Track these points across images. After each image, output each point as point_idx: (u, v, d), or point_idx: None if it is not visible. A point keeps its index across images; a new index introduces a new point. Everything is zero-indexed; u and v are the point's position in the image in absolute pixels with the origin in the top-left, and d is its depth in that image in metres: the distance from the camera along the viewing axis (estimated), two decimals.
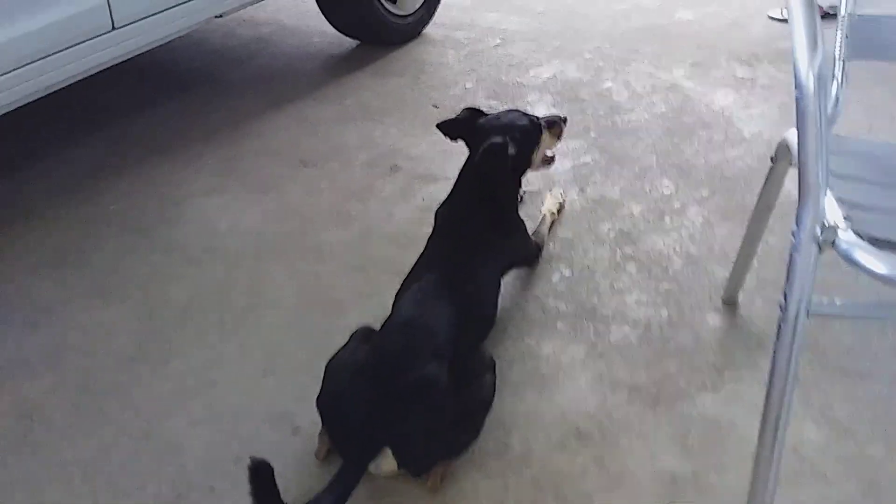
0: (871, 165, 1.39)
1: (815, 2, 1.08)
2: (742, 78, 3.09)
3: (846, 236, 1.07)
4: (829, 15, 2.00)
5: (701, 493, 1.50)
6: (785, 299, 1.11)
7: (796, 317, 1.10)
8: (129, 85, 3.04)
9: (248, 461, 1.42)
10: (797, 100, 1.04)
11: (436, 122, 1.93)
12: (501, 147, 1.79)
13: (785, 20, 3.58)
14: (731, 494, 1.47)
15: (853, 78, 3.15)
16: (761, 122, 2.76)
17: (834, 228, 1.07)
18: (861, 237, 1.08)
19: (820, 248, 1.08)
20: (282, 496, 1.38)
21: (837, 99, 1.46)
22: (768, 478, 1.21)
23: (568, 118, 2.05)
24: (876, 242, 1.08)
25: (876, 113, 2.84)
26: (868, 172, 1.35)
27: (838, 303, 1.20)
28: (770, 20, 3.61)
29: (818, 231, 1.07)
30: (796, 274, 1.09)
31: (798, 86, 1.03)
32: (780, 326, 1.12)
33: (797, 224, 1.07)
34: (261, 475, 1.36)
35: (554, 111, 2.85)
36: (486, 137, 1.82)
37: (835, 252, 1.09)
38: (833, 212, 1.12)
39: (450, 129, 1.92)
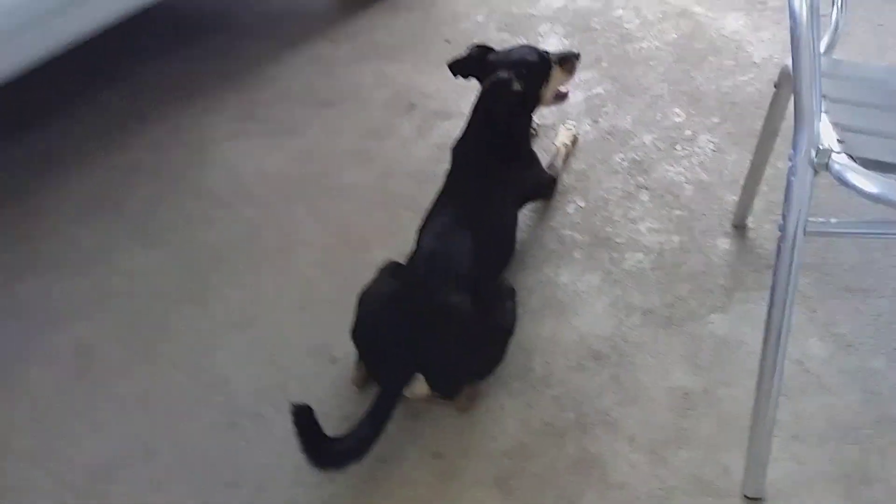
0: (867, 89, 1.45)
1: None
2: (753, 0, 3.09)
3: (839, 159, 1.15)
4: None
5: (711, 406, 1.62)
6: (784, 220, 1.19)
7: (794, 236, 1.19)
8: (144, 33, 3.08)
9: (291, 389, 1.55)
10: (791, 29, 1.10)
11: (448, 58, 1.99)
12: (506, 82, 1.85)
13: None
14: (739, 406, 1.58)
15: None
16: (771, 46, 2.78)
17: (828, 151, 1.15)
18: (854, 159, 1.15)
19: (815, 171, 1.16)
20: (323, 423, 1.49)
21: (837, 24, 1.50)
22: (771, 388, 1.31)
23: (580, 50, 2.10)
24: (868, 164, 1.15)
25: (886, 32, 2.85)
26: (864, 96, 1.41)
27: (833, 221, 1.28)
28: None
29: (813, 154, 1.14)
30: (793, 195, 1.17)
31: (791, 15, 1.09)
32: (779, 245, 1.21)
33: (793, 148, 1.15)
34: (303, 417, 1.46)
35: (566, 42, 2.88)
36: (493, 73, 1.88)
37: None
38: (828, 135, 1.19)
39: (461, 67, 1.97)
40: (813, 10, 1.10)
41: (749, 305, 1.81)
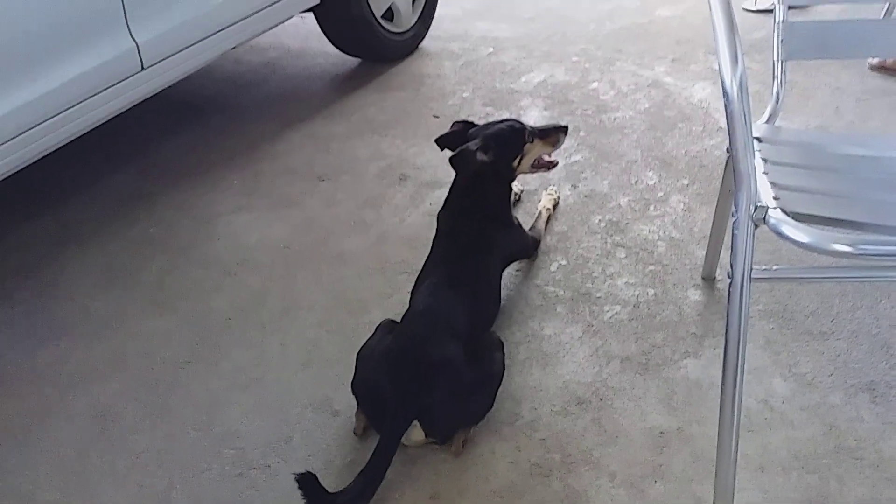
0: (802, 152, 1.64)
1: (735, 25, 1.32)
2: (720, 76, 3.31)
3: (775, 214, 1.32)
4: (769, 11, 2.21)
5: (684, 443, 1.76)
6: (732, 268, 1.35)
7: (742, 282, 1.34)
8: (151, 116, 3.28)
9: (296, 441, 1.68)
10: (725, 105, 1.28)
11: (437, 133, 2.18)
12: (470, 153, 2.00)
13: (759, 11, 3.81)
14: (710, 442, 1.70)
15: (823, 62, 3.41)
16: None
17: (765, 208, 1.32)
18: (788, 214, 1.32)
19: (756, 225, 1.33)
20: (327, 470, 1.63)
21: (778, 96, 1.69)
22: (732, 419, 1.44)
23: (559, 121, 2.27)
24: (800, 217, 1.32)
25: (843, 94, 3.08)
26: (798, 158, 1.59)
27: (775, 268, 1.45)
28: (745, 12, 3.84)
29: (752, 210, 1.31)
30: (738, 246, 1.33)
31: (725, 94, 1.27)
32: (730, 291, 1.37)
33: (735, 206, 1.32)
34: (307, 483, 1.60)
35: (546, 114, 3.10)
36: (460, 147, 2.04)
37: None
38: (766, 193, 1.37)
39: (446, 141, 2.15)
40: (743, 87, 1.29)
41: (718, 350, 1.96)
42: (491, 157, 2.05)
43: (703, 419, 1.80)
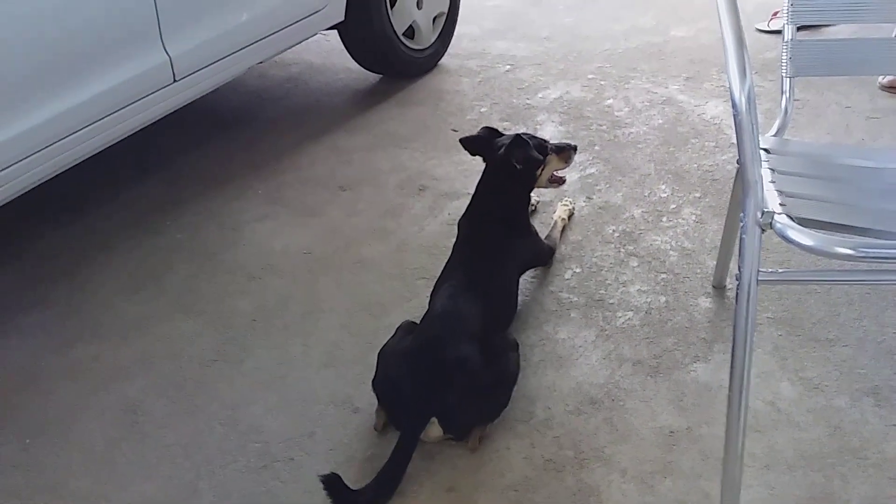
0: (807, 162, 1.71)
1: (744, 39, 1.40)
2: (729, 90, 3.39)
3: (781, 219, 1.39)
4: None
5: (693, 442, 1.81)
6: (740, 271, 1.42)
7: (749, 284, 1.41)
8: (179, 128, 3.38)
9: (319, 436, 1.76)
10: (734, 116, 1.36)
11: (456, 146, 2.27)
12: (508, 158, 2.12)
13: (771, 32, 3.89)
14: (718, 442, 1.76)
15: (833, 81, 3.49)
16: None
17: (771, 213, 1.39)
18: (793, 219, 1.39)
19: (762, 230, 1.40)
20: (349, 464, 1.70)
21: (786, 110, 1.77)
22: (739, 417, 1.50)
23: (574, 136, 2.37)
24: (805, 223, 1.40)
25: (852, 113, 3.15)
26: (804, 168, 1.66)
27: (780, 271, 1.51)
28: (758, 32, 3.91)
29: (759, 216, 1.38)
30: (746, 250, 1.41)
31: (733, 105, 1.35)
32: (737, 293, 1.43)
33: (743, 211, 1.39)
34: (333, 484, 1.68)
35: (561, 129, 3.18)
36: (498, 152, 2.14)
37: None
38: (772, 200, 1.44)
39: (471, 144, 2.25)
40: (751, 101, 1.36)
41: (727, 355, 1.98)
42: (525, 158, 2.14)
43: (711, 420, 1.86)
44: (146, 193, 2.98)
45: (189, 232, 2.75)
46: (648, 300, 2.25)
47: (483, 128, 2.30)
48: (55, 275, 2.55)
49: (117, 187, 3.01)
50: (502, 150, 2.14)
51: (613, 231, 2.55)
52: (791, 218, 1.40)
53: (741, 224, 1.42)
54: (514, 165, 2.13)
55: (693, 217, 2.58)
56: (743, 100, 1.34)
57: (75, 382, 2.14)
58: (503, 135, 2.26)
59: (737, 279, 1.44)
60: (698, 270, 2.34)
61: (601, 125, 3.20)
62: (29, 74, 2.21)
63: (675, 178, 2.80)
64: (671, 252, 2.43)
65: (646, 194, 2.72)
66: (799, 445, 1.78)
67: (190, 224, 2.79)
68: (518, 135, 2.17)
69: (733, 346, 1.48)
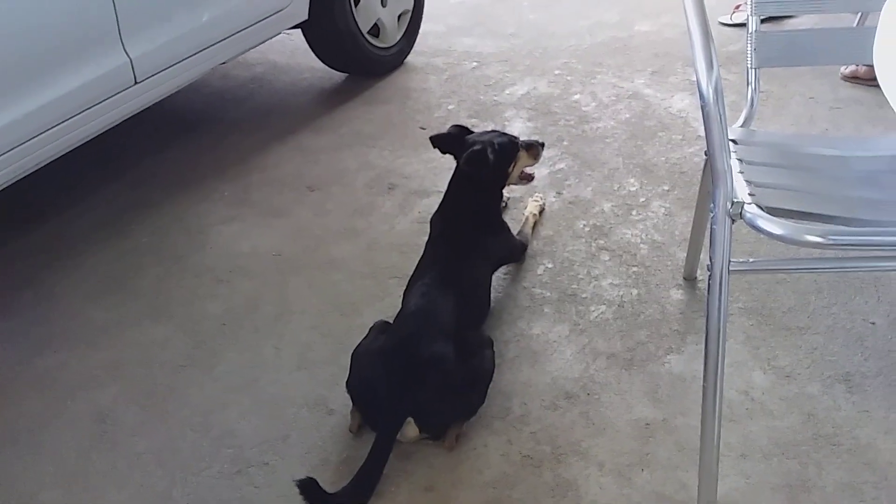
0: (775, 152, 1.73)
1: (710, 31, 1.41)
2: (696, 82, 3.42)
3: (750, 209, 1.40)
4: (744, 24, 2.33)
5: (669, 433, 1.82)
6: (711, 262, 1.43)
7: (720, 274, 1.42)
8: (143, 130, 3.34)
9: (293, 439, 1.74)
10: (702, 107, 1.36)
11: (424, 144, 2.25)
12: (482, 153, 2.12)
13: (734, 25, 3.92)
14: (693, 432, 1.77)
15: (797, 72, 3.53)
16: None
17: (741, 203, 1.40)
18: (763, 208, 1.40)
19: (732, 220, 1.41)
20: (324, 466, 1.68)
21: (752, 101, 1.78)
22: (714, 406, 1.51)
23: (543, 132, 2.37)
24: (775, 211, 1.40)
25: (816, 104, 3.19)
26: (772, 158, 1.68)
27: (751, 260, 1.52)
28: (721, 26, 3.94)
29: (729, 206, 1.39)
30: (716, 241, 1.41)
31: (701, 97, 1.35)
32: (709, 283, 1.44)
33: (713, 202, 1.39)
34: (309, 488, 1.66)
35: (530, 125, 3.18)
36: (471, 148, 2.14)
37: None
38: (742, 190, 1.45)
39: (441, 142, 2.24)
40: (718, 91, 1.37)
41: (700, 346, 2.01)
42: (493, 160, 2.13)
43: (686, 411, 1.87)
44: (110, 197, 2.93)
45: (156, 235, 2.71)
46: (621, 293, 2.25)
47: (453, 126, 2.29)
48: (19, 282, 2.50)
49: (80, 192, 2.96)
50: (466, 158, 2.13)
51: (584, 226, 2.55)
52: (760, 207, 1.41)
53: (711, 215, 1.42)
54: (488, 160, 2.12)
55: (662, 210, 2.60)
56: (710, 91, 1.34)
57: (43, 392, 2.10)
58: (472, 132, 2.26)
59: (708, 270, 1.45)
60: (669, 263, 2.35)
61: (569, 120, 3.21)
62: None
63: (643, 172, 2.81)
64: (642, 245, 2.44)
65: (615, 188, 2.73)
66: (773, 434, 1.79)
67: (156, 228, 2.75)
68: (483, 144, 2.16)
69: (707, 337, 1.48)
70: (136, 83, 2.58)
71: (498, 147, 2.19)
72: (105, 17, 2.44)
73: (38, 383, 2.12)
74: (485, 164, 2.13)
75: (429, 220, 2.27)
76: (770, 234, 1.37)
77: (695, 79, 3.60)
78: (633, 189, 2.72)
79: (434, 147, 2.24)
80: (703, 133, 3.01)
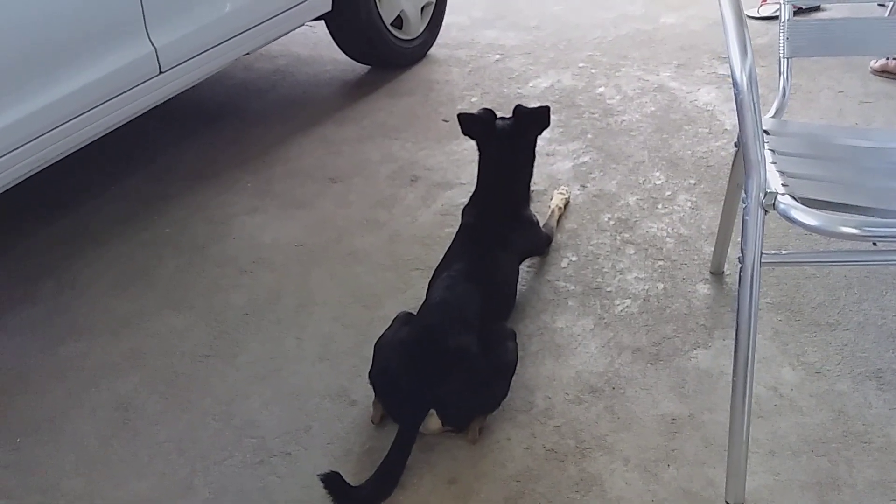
0: (807, 143, 1.69)
1: (744, 17, 1.38)
2: (723, 75, 3.38)
3: (784, 199, 1.37)
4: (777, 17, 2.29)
5: (696, 429, 1.79)
6: (742, 253, 1.40)
7: (752, 266, 1.39)
8: (166, 122, 3.34)
9: (316, 430, 1.73)
10: (735, 95, 1.33)
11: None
12: (548, 109, 2.18)
13: (761, 18, 3.87)
14: (721, 428, 1.75)
15: (826, 66, 3.48)
16: None
17: (774, 194, 1.37)
18: (796, 199, 1.37)
19: (765, 211, 1.38)
20: (346, 457, 1.67)
21: (784, 91, 1.74)
22: (744, 400, 1.48)
23: (567, 125, 2.34)
24: (809, 202, 1.37)
25: (845, 97, 3.13)
26: (804, 149, 1.64)
27: (784, 252, 1.49)
28: (748, 18, 3.88)
29: (762, 197, 1.36)
30: (749, 232, 1.38)
31: (735, 84, 1.32)
32: (740, 275, 1.41)
33: (745, 193, 1.36)
34: (332, 482, 1.65)
35: (553, 118, 3.09)
36: (503, 136, 2.15)
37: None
38: (775, 181, 1.42)
39: (469, 121, 2.20)
40: (752, 78, 1.34)
41: (728, 341, 2.00)
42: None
43: (713, 406, 1.84)
44: (133, 188, 2.94)
45: (177, 226, 2.71)
46: (646, 287, 2.22)
47: (482, 109, 2.25)
48: (41, 272, 2.50)
49: (102, 183, 2.96)
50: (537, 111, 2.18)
51: (609, 219, 2.52)
52: (794, 198, 1.37)
53: (744, 206, 1.40)
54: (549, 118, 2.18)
55: (689, 204, 2.56)
56: (745, 79, 1.31)
57: (65, 381, 2.10)
58: (502, 117, 2.23)
59: (739, 262, 1.42)
60: (695, 257, 2.32)
61: (593, 113, 3.17)
62: (9, 66, 2.16)
63: (669, 165, 2.78)
64: (668, 239, 2.41)
65: (640, 182, 2.70)
66: (803, 430, 1.76)
67: (178, 218, 2.75)
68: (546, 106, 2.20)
69: (737, 329, 1.46)
70: (160, 73, 2.57)
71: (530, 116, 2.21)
72: (131, 6, 2.44)
73: (60, 372, 2.12)
74: (546, 124, 2.17)
75: (451, 212, 2.25)
76: (804, 225, 1.33)
77: (721, 72, 3.57)
78: (659, 182, 2.68)
79: (461, 125, 2.20)
80: (729, 127, 3.01)
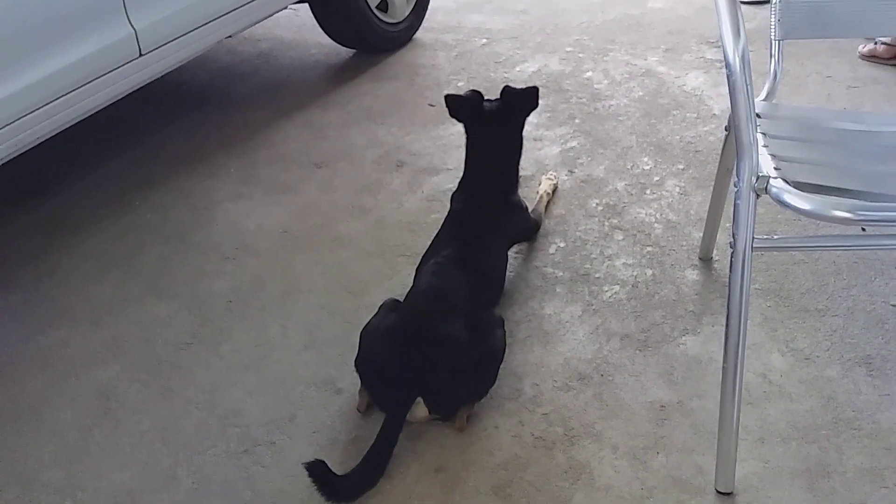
0: (799, 126, 1.67)
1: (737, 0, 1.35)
2: (711, 59, 3.36)
3: (776, 183, 1.35)
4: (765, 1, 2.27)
5: (685, 416, 1.78)
6: (734, 238, 1.38)
7: (744, 250, 1.37)
8: (148, 105, 3.29)
9: (301, 418, 1.70)
10: (728, 77, 1.31)
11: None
12: (537, 90, 2.16)
13: (750, 3, 3.84)
14: (710, 415, 1.74)
15: (814, 51, 3.45)
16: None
17: (766, 177, 1.34)
18: (789, 183, 1.35)
19: (757, 195, 1.35)
20: (332, 446, 1.65)
21: (776, 74, 1.72)
22: (735, 386, 1.47)
23: (554, 109, 2.31)
24: (801, 186, 1.35)
25: (833, 82, 3.12)
26: (796, 132, 1.62)
27: (776, 237, 1.47)
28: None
29: (754, 180, 1.34)
30: (740, 216, 1.36)
31: (727, 66, 1.30)
32: (731, 260, 1.39)
33: (737, 176, 1.34)
34: (317, 470, 1.62)
35: (540, 102, 3.06)
36: (491, 119, 2.12)
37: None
38: (767, 164, 1.39)
39: (456, 103, 2.16)
40: (745, 60, 1.31)
41: (716, 328, 1.99)
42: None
43: (702, 393, 1.82)
44: (114, 174, 2.88)
45: (160, 212, 2.67)
46: (635, 273, 2.20)
47: (470, 90, 2.21)
48: (20, 259, 2.46)
49: (83, 168, 2.91)
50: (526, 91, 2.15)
51: (597, 204, 2.50)
52: (786, 182, 1.35)
53: (735, 189, 1.37)
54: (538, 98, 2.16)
55: (677, 189, 2.54)
56: (737, 59, 1.29)
57: (45, 370, 2.06)
58: (489, 100, 2.19)
59: (731, 247, 1.40)
60: (684, 243, 2.30)
61: (581, 98, 3.14)
62: None
63: (657, 151, 2.75)
64: (656, 225, 2.39)
65: (628, 167, 2.68)
66: (792, 417, 1.75)
67: (161, 204, 2.70)
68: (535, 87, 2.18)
69: (728, 315, 1.44)
70: (140, 55, 2.52)
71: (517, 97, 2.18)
72: None
73: (40, 361, 2.08)
74: (536, 103, 2.15)
75: (438, 198, 2.22)
76: (797, 208, 1.31)
77: (709, 57, 3.53)
78: (647, 168, 2.66)
79: (448, 107, 2.16)
80: (718, 111, 2.98)
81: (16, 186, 2.77)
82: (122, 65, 2.48)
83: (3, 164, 2.24)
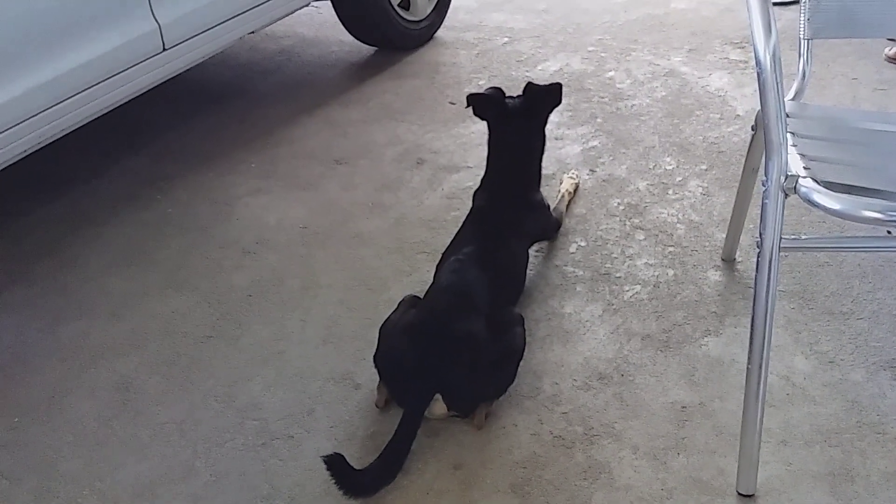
0: (828, 126, 1.65)
1: None
2: (735, 60, 3.33)
3: (806, 183, 1.33)
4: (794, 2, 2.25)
5: (706, 417, 1.76)
6: (761, 238, 1.36)
7: (771, 251, 1.35)
8: (170, 101, 3.30)
9: (319, 413, 1.69)
10: (758, 74, 1.29)
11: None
12: (561, 87, 2.17)
13: (778, 3, 3.81)
14: (732, 416, 1.72)
15: (839, 53, 3.42)
16: (754, 100, 2.99)
17: (795, 177, 1.33)
18: (818, 182, 1.33)
19: (786, 194, 1.33)
20: (350, 441, 1.65)
21: (804, 73, 1.70)
22: (758, 392, 1.45)
23: (576, 109, 2.29)
24: (830, 186, 1.33)
25: (859, 84, 3.08)
26: (825, 132, 1.60)
27: (804, 237, 1.45)
28: None
29: (783, 180, 1.32)
30: (768, 216, 1.34)
31: (758, 63, 1.28)
32: (758, 261, 1.37)
33: (766, 175, 1.32)
34: (336, 464, 1.62)
35: (563, 101, 3.09)
36: (515, 116, 2.11)
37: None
38: (796, 164, 1.37)
39: (478, 102, 2.15)
40: (776, 57, 1.29)
41: (739, 329, 1.97)
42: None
43: (724, 395, 1.80)
44: (134, 168, 2.90)
45: (180, 207, 2.67)
46: (656, 274, 2.18)
47: (490, 87, 2.20)
48: (41, 250, 2.47)
49: (104, 162, 2.92)
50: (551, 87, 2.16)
51: (618, 204, 2.48)
52: (816, 181, 1.33)
53: (763, 189, 1.36)
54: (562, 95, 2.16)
55: (700, 189, 2.52)
56: (768, 57, 1.27)
57: (64, 360, 2.07)
58: (511, 97, 2.18)
59: (757, 246, 1.38)
60: (706, 243, 2.28)
61: (603, 97, 3.12)
62: (8, 41, 2.12)
63: (680, 151, 2.73)
64: (678, 225, 2.37)
65: (651, 167, 2.66)
66: (815, 420, 1.72)
67: (181, 199, 2.71)
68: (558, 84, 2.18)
69: (753, 315, 1.42)
70: (164, 50, 2.53)
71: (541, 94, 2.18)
72: None
73: (59, 351, 2.09)
74: (559, 99, 2.15)
75: (458, 195, 2.22)
76: (826, 208, 1.29)
77: (733, 58, 3.50)
78: (670, 168, 2.64)
79: (472, 106, 2.15)
80: (741, 112, 2.96)
81: (37, 179, 2.79)
82: (146, 59, 2.49)
83: (25, 157, 2.26)
